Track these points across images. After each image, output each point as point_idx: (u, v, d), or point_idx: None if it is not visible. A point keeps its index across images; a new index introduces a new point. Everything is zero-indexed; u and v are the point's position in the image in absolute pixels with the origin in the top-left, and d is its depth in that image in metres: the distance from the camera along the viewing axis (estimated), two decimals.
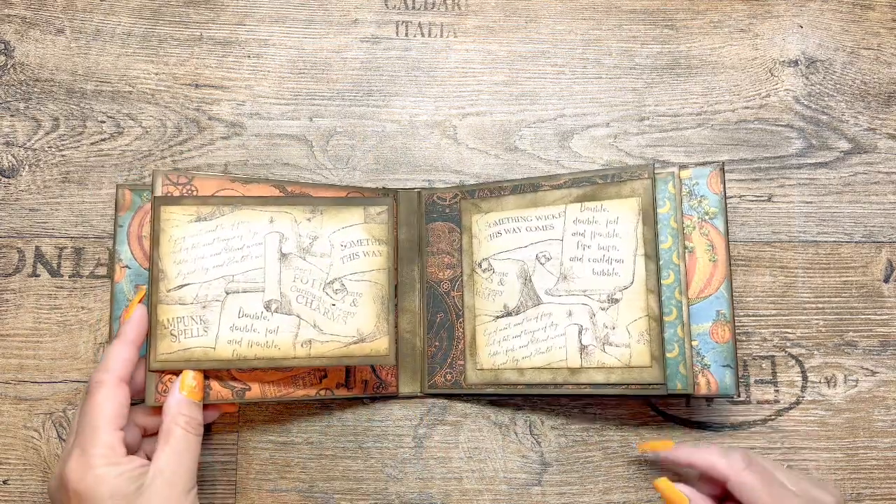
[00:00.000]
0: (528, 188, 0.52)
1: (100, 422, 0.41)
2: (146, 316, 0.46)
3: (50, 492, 0.43)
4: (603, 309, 0.49)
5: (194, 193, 0.48)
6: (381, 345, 0.49)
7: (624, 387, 0.48)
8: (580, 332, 0.49)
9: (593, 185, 0.50)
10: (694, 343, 0.49)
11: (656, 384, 0.47)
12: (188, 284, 0.47)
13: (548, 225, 0.51)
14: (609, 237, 0.49)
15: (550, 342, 0.50)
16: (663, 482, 0.46)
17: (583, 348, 0.49)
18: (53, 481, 0.42)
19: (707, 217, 0.49)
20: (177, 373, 0.46)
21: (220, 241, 0.48)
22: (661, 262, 0.49)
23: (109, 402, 0.42)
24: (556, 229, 0.51)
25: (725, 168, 0.56)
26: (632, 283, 0.49)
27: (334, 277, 0.49)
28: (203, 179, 0.48)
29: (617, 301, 0.49)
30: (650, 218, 0.49)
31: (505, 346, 0.51)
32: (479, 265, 0.52)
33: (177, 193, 0.47)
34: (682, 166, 0.50)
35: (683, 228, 0.49)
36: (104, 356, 0.44)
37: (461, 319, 0.52)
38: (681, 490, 0.45)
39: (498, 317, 0.51)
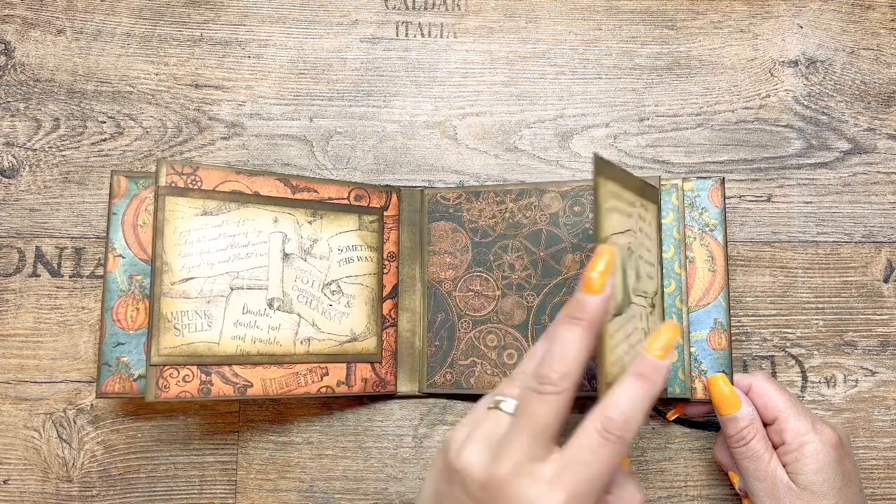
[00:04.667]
0: (533, 192, 0.52)
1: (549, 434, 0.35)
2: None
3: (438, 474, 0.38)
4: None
5: (199, 184, 0.48)
6: (370, 344, 0.52)
7: None
8: None
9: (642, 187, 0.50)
10: (692, 350, 0.49)
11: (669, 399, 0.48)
12: (193, 278, 0.47)
13: (636, 213, 0.47)
14: (650, 240, 0.49)
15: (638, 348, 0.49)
16: (722, 378, 0.47)
17: None
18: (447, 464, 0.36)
19: (707, 229, 0.50)
20: (177, 367, 0.46)
21: (225, 237, 0.48)
22: (663, 271, 0.49)
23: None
24: (635, 219, 0.47)
25: (725, 168, 0.56)
26: (657, 290, 0.49)
27: (331, 279, 0.51)
28: (208, 170, 0.48)
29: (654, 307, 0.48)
30: (657, 229, 0.49)
31: (617, 352, 0.47)
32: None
33: (181, 184, 0.47)
34: (686, 178, 0.50)
35: (685, 239, 0.50)
36: (568, 354, 0.35)
37: (463, 320, 0.52)
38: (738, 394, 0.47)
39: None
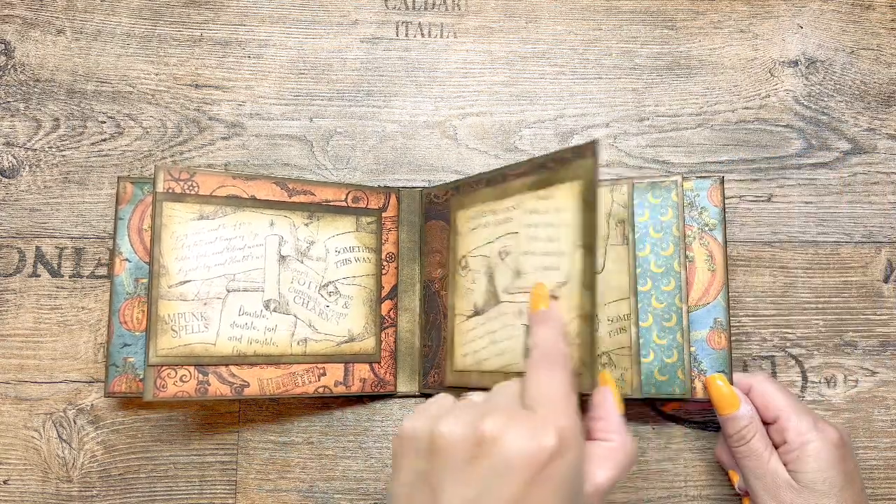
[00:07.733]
0: (498, 179, 0.47)
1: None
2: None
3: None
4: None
5: (196, 189, 0.48)
6: (368, 344, 0.52)
7: None
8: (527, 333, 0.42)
9: (549, 171, 0.43)
10: (691, 349, 0.49)
11: (584, 395, 0.38)
12: (190, 281, 0.47)
13: (507, 217, 0.46)
14: (555, 227, 0.42)
15: (505, 344, 0.45)
16: (721, 378, 0.48)
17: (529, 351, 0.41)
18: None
19: (707, 228, 0.50)
20: (175, 367, 0.46)
21: (222, 241, 0.48)
22: (662, 269, 0.49)
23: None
24: (514, 221, 0.45)
25: (725, 168, 0.56)
26: (569, 278, 0.40)
27: (328, 280, 0.51)
28: (205, 175, 0.48)
29: (556, 299, 0.41)
30: (591, 204, 0.40)
31: (472, 347, 0.48)
32: (460, 263, 0.50)
33: (178, 189, 0.48)
34: (685, 177, 0.50)
35: (685, 237, 0.50)
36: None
37: (446, 319, 0.52)
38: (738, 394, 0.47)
39: (469, 316, 0.48)
